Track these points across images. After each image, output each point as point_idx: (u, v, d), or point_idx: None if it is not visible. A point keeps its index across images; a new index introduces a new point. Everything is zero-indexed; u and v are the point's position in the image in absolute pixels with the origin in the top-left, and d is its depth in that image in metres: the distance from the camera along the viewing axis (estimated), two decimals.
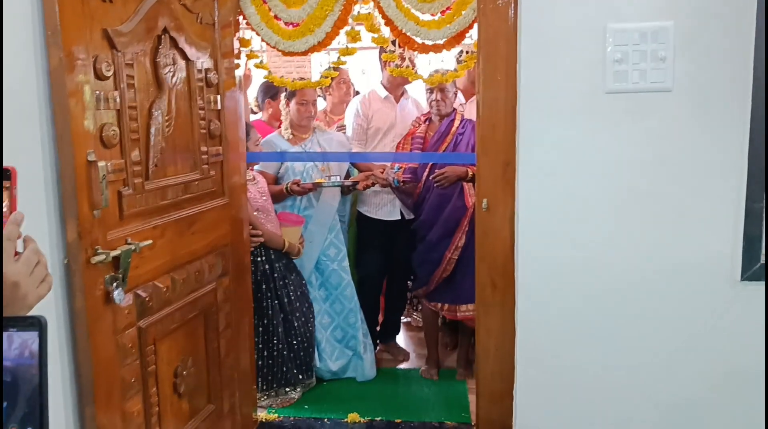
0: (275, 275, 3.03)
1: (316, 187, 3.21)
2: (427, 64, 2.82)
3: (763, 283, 1.99)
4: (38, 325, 0.82)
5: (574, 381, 2.15)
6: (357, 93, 4.10)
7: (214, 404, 2.29)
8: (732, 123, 1.92)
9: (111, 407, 1.74)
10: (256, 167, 3.20)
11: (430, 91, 3.18)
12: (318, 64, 2.73)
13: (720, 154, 1.95)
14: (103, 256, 1.66)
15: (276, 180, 3.29)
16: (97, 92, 1.66)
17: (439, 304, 3.28)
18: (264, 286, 3.01)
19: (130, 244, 1.76)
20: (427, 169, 3.19)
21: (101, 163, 1.64)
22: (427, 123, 3.31)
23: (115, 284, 1.71)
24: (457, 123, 3.19)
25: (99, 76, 1.66)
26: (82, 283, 1.64)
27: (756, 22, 1.85)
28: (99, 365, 1.70)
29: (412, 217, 3.39)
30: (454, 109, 3.25)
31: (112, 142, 1.72)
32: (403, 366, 3.59)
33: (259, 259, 2.99)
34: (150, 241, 1.84)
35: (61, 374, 1.66)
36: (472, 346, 3.29)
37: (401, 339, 3.89)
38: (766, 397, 1.89)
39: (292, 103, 3.27)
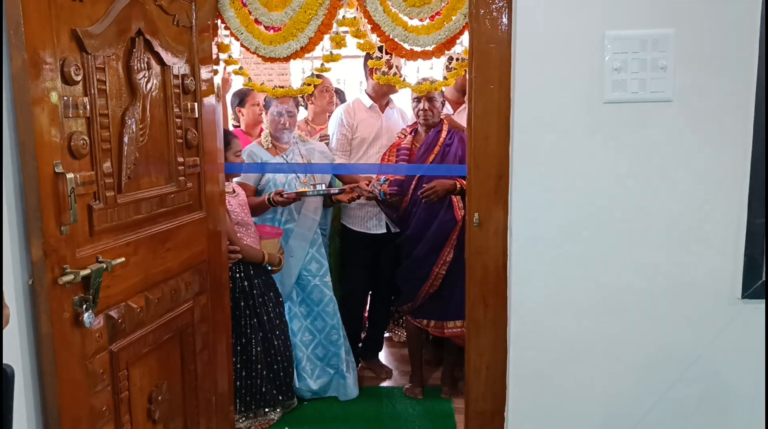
0: (254, 292, 2.91)
1: (300, 196, 3.09)
2: (415, 72, 2.73)
3: (763, 302, 1.94)
4: (1, 376, 0.66)
5: (568, 402, 2.09)
6: (344, 100, 4.01)
7: None
8: (734, 136, 1.89)
9: None
10: (235, 179, 3.08)
11: (418, 100, 3.09)
12: (300, 70, 2.60)
13: (721, 167, 1.91)
14: (71, 276, 1.53)
15: (256, 192, 3.17)
16: (65, 98, 1.53)
17: (425, 321, 3.18)
18: (243, 304, 2.88)
19: (101, 262, 1.63)
20: (414, 182, 3.10)
21: (69, 175, 1.51)
22: (413, 134, 3.22)
23: (84, 306, 1.58)
24: (444, 134, 3.10)
25: (67, 81, 1.54)
26: (48, 306, 1.50)
27: (760, 31, 1.81)
28: (66, 394, 1.56)
29: (397, 230, 3.29)
30: (441, 120, 3.16)
31: (81, 152, 1.59)
32: (386, 384, 3.49)
33: (237, 275, 2.87)
34: (122, 259, 1.71)
35: (25, 404, 1.53)
36: (458, 363, 3.22)
37: (383, 355, 3.78)
38: (766, 408, 1.83)
39: (268, 114, 3.17)
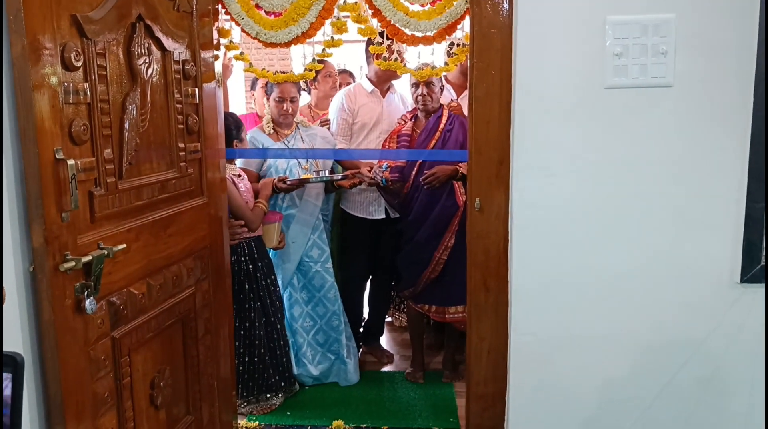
0: (258, 274, 2.92)
1: (303, 183, 3.09)
2: (416, 57, 2.72)
3: (762, 286, 1.95)
4: (12, 365, 0.65)
5: (569, 386, 2.11)
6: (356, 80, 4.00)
7: (192, 415, 2.18)
8: (733, 121, 1.89)
9: (82, 425, 1.62)
10: (238, 162, 3.08)
11: (416, 86, 3.08)
12: (300, 56, 2.59)
13: (721, 152, 1.92)
14: (72, 263, 1.53)
15: (259, 178, 3.16)
16: (66, 84, 1.53)
17: (427, 306, 3.19)
18: (247, 287, 2.90)
19: (102, 248, 1.63)
20: (416, 168, 3.09)
21: (70, 162, 1.51)
22: (413, 120, 3.21)
23: (86, 292, 1.58)
24: (444, 119, 3.09)
25: (67, 67, 1.53)
26: (50, 293, 1.50)
27: (759, 16, 1.80)
28: (69, 380, 1.57)
29: (397, 216, 3.30)
30: (441, 105, 3.15)
31: (82, 138, 1.59)
32: (387, 368, 3.51)
33: (242, 258, 2.88)
34: (124, 245, 1.71)
35: (27, 391, 1.53)
36: (459, 347, 3.24)
37: (384, 340, 3.80)
38: (766, 397, 1.84)
39: (270, 99, 3.15)
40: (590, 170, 1.95)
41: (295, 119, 3.21)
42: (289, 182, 3.03)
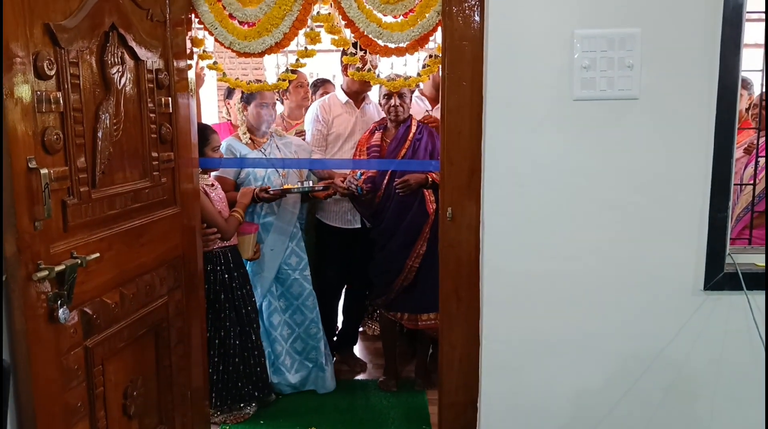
0: (233, 284, 2.91)
1: (286, 193, 3.09)
2: (389, 68, 2.75)
3: (724, 293, 2.01)
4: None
5: (539, 393, 2.14)
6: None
7: (165, 425, 2.17)
8: (697, 132, 1.94)
9: None
10: (213, 173, 3.06)
11: (388, 96, 3.10)
12: (274, 66, 2.60)
13: (685, 163, 1.97)
14: (45, 272, 1.52)
15: (236, 186, 3.15)
16: (38, 92, 1.52)
17: (399, 314, 3.21)
18: (222, 297, 2.89)
19: (75, 257, 1.63)
20: (387, 177, 3.12)
21: (43, 171, 1.50)
22: (381, 130, 3.23)
23: (59, 302, 1.57)
24: (414, 128, 3.12)
25: (40, 75, 1.52)
26: (22, 302, 1.49)
27: (721, 31, 1.86)
28: (41, 390, 1.55)
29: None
30: (410, 115, 3.18)
31: (55, 147, 1.58)
32: (360, 377, 3.51)
33: (218, 268, 2.87)
34: (97, 255, 1.70)
35: None
36: (431, 355, 3.26)
37: (357, 348, 3.80)
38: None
39: (251, 107, 3.13)
40: (559, 180, 1.99)
41: (269, 129, 3.21)
42: (272, 192, 3.02)
